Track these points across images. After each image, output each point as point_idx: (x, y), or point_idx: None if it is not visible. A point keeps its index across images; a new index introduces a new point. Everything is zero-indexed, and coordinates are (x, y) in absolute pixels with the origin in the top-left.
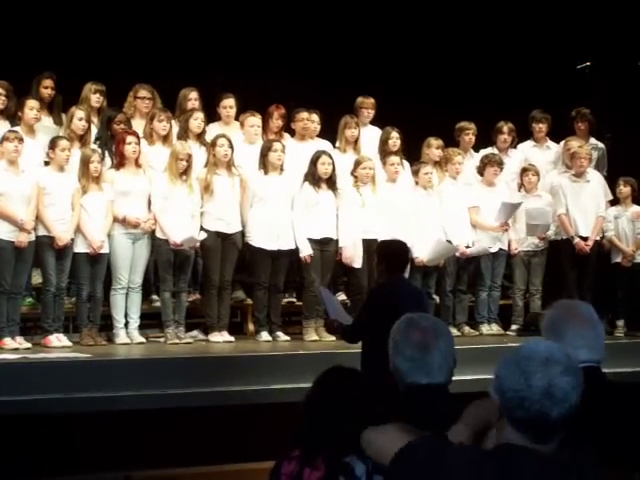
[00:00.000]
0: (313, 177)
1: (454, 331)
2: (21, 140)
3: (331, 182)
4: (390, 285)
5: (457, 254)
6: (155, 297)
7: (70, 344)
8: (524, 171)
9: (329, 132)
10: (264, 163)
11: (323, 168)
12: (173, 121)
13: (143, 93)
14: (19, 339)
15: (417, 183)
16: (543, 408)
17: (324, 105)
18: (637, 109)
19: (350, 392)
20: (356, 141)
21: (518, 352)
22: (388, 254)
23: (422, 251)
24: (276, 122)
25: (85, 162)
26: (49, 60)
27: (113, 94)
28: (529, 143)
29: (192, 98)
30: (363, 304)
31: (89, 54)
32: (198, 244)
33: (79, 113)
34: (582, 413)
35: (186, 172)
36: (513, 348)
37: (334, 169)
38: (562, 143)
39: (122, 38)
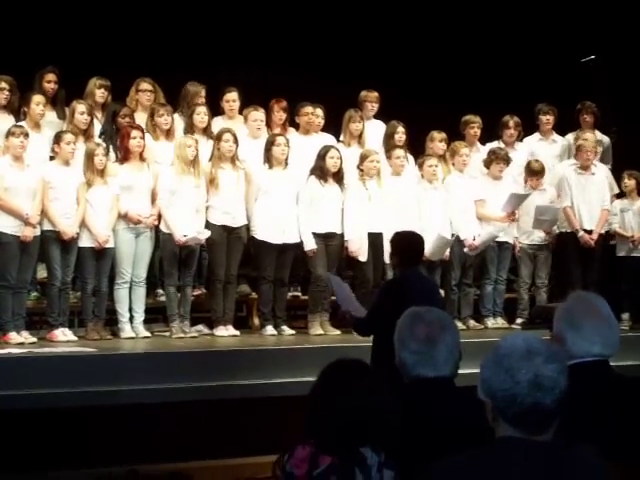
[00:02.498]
0: (321, 171)
1: (459, 325)
2: (27, 135)
3: (338, 176)
4: (402, 279)
5: (465, 249)
6: (160, 291)
7: (75, 338)
8: (531, 174)
9: (331, 126)
10: (268, 157)
11: (332, 162)
12: (178, 116)
13: (144, 86)
14: (24, 333)
15: (422, 176)
16: (536, 400)
17: (327, 99)
18: None
19: (356, 383)
20: (360, 135)
21: (498, 350)
22: (402, 246)
23: (425, 246)
24: (278, 115)
25: (90, 156)
26: (52, 54)
27: (115, 89)
28: (535, 136)
29: (203, 95)
30: (375, 298)
31: (92, 48)
32: (204, 240)
33: (80, 107)
34: (589, 406)
35: (194, 162)
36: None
37: (342, 163)
38: (569, 136)
39: (124, 32)
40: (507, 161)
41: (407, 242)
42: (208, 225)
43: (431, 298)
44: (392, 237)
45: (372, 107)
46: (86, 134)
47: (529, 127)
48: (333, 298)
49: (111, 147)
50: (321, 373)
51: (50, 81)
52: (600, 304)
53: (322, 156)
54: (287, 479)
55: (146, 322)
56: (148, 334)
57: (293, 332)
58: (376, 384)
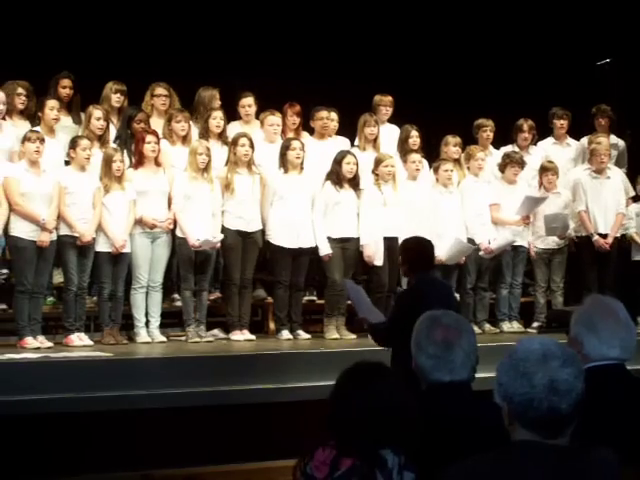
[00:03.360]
0: (337, 176)
1: (475, 329)
2: (42, 140)
3: (354, 182)
4: (417, 287)
5: (481, 253)
6: (176, 296)
7: (91, 343)
8: (543, 171)
9: (345, 130)
10: (283, 162)
11: (348, 168)
12: (193, 123)
13: (159, 91)
14: (41, 338)
15: (437, 180)
16: (552, 404)
17: (340, 103)
18: None
19: (377, 385)
20: (375, 139)
21: (514, 355)
22: (410, 253)
23: (441, 250)
24: (291, 119)
25: (107, 161)
26: (66, 59)
27: (131, 93)
28: (549, 140)
29: (218, 98)
30: (393, 309)
31: (106, 54)
32: (219, 244)
33: (97, 113)
34: (607, 410)
35: (206, 168)
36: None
37: (357, 169)
38: (583, 140)
39: (139, 38)
40: (522, 165)
41: (416, 249)
42: (223, 230)
43: (447, 302)
44: (400, 244)
45: (386, 111)
46: (102, 139)
47: (544, 131)
48: (349, 302)
49: (125, 152)
50: (342, 375)
51: (65, 86)
52: (618, 308)
53: (338, 161)
54: None
55: (162, 327)
56: (164, 339)
57: (309, 336)
58: (397, 386)
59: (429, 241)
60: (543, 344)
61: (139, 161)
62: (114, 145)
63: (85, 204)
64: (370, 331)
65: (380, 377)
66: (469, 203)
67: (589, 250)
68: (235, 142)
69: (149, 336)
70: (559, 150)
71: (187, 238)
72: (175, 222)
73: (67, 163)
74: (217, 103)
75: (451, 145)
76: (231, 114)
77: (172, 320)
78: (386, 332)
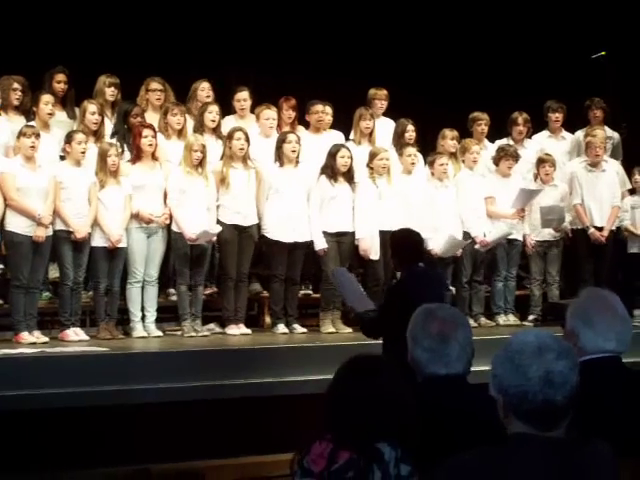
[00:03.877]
0: (331, 170)
1: (471, 322)
2: (38, 135)
3: (349, 175)
4: (407, 279)
5: (477, 246)
6: (172, 290)
7: (87, 338)
8: (540, 162)
9: (339, 124)
10: (279, 155)
11: (342, 161)
12: (188, 116)
13: (154, 85)
14: (36, 333)
15: (433, 174)
16: (547, 396)
17: (335, 97)
18: None
19: (374, 378)
20: (371, 133)
21: (509, 347)
22: (400, 246)
23: (436, 243)
24: (287, 113)
25: (103, 156)
26: (61, 54)
27: (126, 88)
28: (544, 134)
29: (205, 88)
30: (383, 302)
31: (101, 48)
32: (215, 238)
33: (91, 107)
34: (602, 403)
35: (201, 164)
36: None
37: (352, 162)
38: (578, 133)
39: (135, 31)
40: (516, 158)
41: (404, 242)
42: (219, 224)
43: (438, 294)
44: (390, 238)
45: (381, 105)
46: (97, 134)
47: (539, 124)
48: None
49: (125, 146)
50: (339, 368)
51: (60, 81)
52: (614, 300)
53: (333, 155)
54: (305, 475)
55: (158, 321)
56: (160, 333)
57: (304, 330)
58: (394, 380)
59: (418, 233)
60: (538, 336)
61: (137, 156)
62: (111, 140)
63: (80, 199)
64: (360, 323)
65: (378, 370)
66: (464, 196)
67: (585, 243)
68: (230, 136)
69: (145, 331)
70: (554, 143)
71: (183, 232)
72: (171, 217)
73: (62, 158)
74: (204, 94)
75: (448, 139)
76: (226, 108)
77: (168, 315)
78: (374, 323)
